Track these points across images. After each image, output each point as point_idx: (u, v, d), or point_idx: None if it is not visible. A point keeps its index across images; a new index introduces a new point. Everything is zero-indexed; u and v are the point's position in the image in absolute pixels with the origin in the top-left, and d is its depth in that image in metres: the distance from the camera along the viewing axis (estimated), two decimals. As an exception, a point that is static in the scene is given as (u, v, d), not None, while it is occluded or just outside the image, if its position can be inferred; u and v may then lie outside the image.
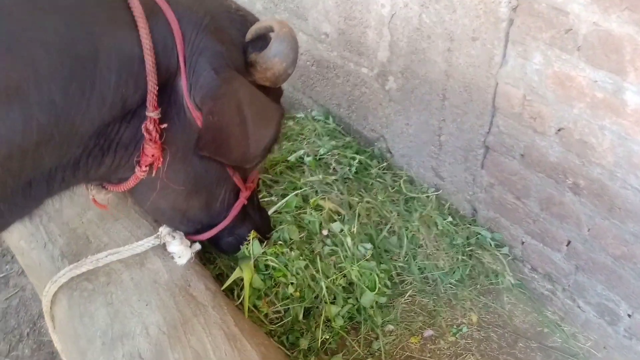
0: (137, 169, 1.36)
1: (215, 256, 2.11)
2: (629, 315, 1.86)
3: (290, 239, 2.10)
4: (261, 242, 1.94)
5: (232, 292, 2.02)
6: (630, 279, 1.76)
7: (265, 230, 1.96)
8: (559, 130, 1.70)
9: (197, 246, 1.82)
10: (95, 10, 1.13)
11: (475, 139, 2.03)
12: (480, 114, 1.94)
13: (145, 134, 1.26)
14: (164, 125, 1.27)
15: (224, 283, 2.03)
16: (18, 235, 1.97)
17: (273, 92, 1.43)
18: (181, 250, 1.72)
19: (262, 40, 1.34)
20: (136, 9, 1.15)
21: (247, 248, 1.92)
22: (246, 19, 1.34)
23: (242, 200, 1.67)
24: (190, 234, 1.77)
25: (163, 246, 1.77)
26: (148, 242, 1.76)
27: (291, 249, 2.09)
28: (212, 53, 1.25)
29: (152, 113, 1.23)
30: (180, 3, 1.25)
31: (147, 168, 1.35)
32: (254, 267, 1.98)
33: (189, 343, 1.55)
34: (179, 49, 1.22)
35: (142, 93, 1.21)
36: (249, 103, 1.31)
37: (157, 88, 1.20)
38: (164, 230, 1.76)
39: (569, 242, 1.93)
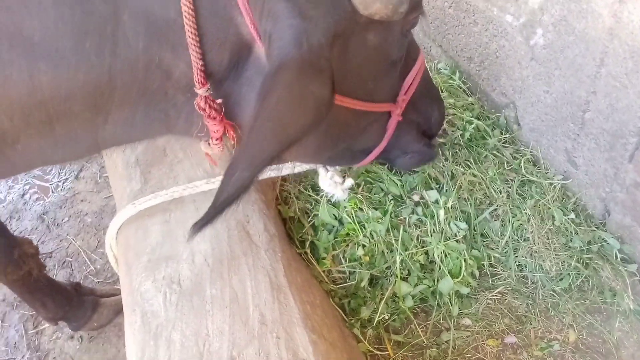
0: (210, 142, 1.23)
1: (293, 197, 1.95)
2: None
3: (388, 191, 1.89)
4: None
5: (302, 243, 1.86)
6: None
7: (436, 130, 1.60)
8: None
9: (349, 183, 1.64)
10: None
11: (630, 122, 1.59)
12: (644, 91, 1.49)
13: (199, 111, 1.10)
14: (219, 101, 1.11)
15: (294, 228, 1.88)
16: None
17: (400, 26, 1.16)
18: (332, 185, 1.59)
19: None
20: None
21: None
22: None
23: (394, 120, 1.37)
24: (351, 164, 1.60)
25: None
26: (305, 166, 1.63)
27: (375, 208, 1.86)
28: (296, 31, 0.96)
29: (200, 90, 1.06)
30: None
31: (220, 142, 1.21)
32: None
33: (230, 282, 1.42)
34: (247, 12, 0.99)
35: (184, 66, 1.05)
36: (282, 103, 1.00)
37: (203, 63, 1.03)
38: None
39: None
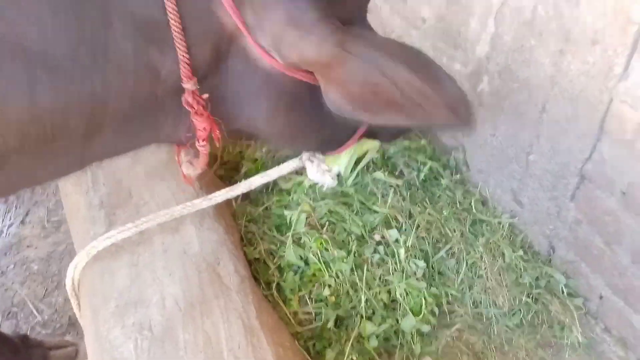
0: (197, 143, 1.27)
1: (258, 239, 1.97)
2: None
3: (350, 231, 1.96)
4: None
5: (268, 286, 1.87)
6: None
7: None
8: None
9: (336, 169, 1.83)
10: None
11: (570, 164, 1.74)
12: (582, 135, 1.65)
13: (186, 107, 1.15)
14: (205, 96, 1.15)
15: (260, 270, 1.89)
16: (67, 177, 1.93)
17: None
18: (322, 175, 1.78)
19: None
20: None
21: None
22: None
23: None
24: (333, 149, 1.70)
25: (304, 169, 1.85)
26: (291, 165, 1.80)
27: (340, 248, 1.91)
28: (284, 8, 1.03)
29: (188, 84, 1.11)
30: None
31: (206, 142, 1.26)
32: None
33: (203, 326, 1.41)
34: (229, 8, 1.05)
35: (170, 67, 1.10)
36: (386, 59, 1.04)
37: (189, 57, 1.07)
38: (304, 154, 1.78)
39: (662, 308, 1.61)
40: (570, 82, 1.64)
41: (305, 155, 1.78)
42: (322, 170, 1.75)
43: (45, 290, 2.73)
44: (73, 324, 2.53)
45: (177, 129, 1.23)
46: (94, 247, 1.58)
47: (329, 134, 1.48)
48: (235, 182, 1.83)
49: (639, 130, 1.48)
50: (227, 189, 1.68)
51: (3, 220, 3.11)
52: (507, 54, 1.86)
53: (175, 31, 1.04)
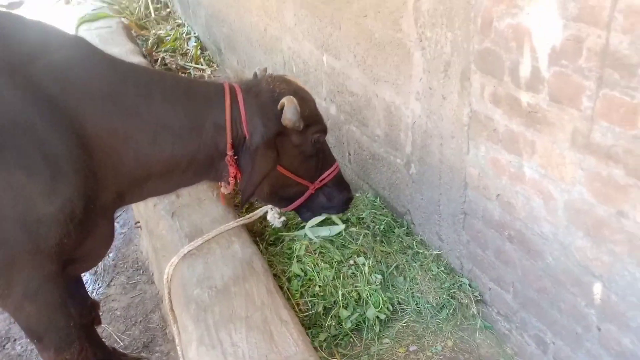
0: (228, 179, 2.56)
1: (276, 264, 3.16)
2: (553, 343, 2.54)
3: (333, 257, 3.13)
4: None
5: (282, 288, 3.02)
6: (548, 308, 2.49)
7: (336, 210, 3.01)
8: (497, 196, 2.61)
9: (283, 219, 3.28)
10: (207, 99, 2.27)
11: (458, 207, 2.97)
12: (459, 188, 2.90)
13: (226, 162, 2.34)
14: (235, 157, 2.34)
15: (277, 282, 3.06)
16: (162, 227, 3.22)
17: (308, 131, 2.48)
18: (273, 219, 3.24)
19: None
20: (227, 100, 2.25)
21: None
22: (282, 95, 2.31)
23: (308, 193, 2.71)
24: (282, 207, 2.90)
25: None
26: (262, 210, 3.27)
27: (328, 264, 3.08)
28: (260, 132, 2.29)
29: (229, 152, 2.31)
30: (249, 96, 2.31)
31: (233, 179, 2.53)
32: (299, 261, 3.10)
33: (244, 286, 2.60)
34: (245, 126, 2.29)
35: (225, 143, 2.28)
36: (260, 161, 2.35)
37: (232, 141, 2.29)
38: (268, 206, 3.20)
39: (513, 284, 2.70)
40: (448, 160, 2.94)
41: (269, 206, 3.17)
42: (275, 218, 3.20)
43: (125, 327, 3.85)
44: (147, 346, 3.62)
45: (219, 173, 2.40)
46: (182, 252, 2.83)
47: (276, 196, 2.65)
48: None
49: (478, 179, 2.73)
50: (240, 219, 3.12)
51: (94, 285, 4.32)
52: (419, 150, 3.19)
53: (228, 130, 2.31)
